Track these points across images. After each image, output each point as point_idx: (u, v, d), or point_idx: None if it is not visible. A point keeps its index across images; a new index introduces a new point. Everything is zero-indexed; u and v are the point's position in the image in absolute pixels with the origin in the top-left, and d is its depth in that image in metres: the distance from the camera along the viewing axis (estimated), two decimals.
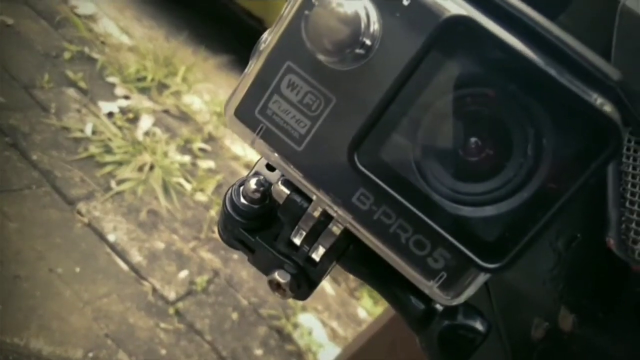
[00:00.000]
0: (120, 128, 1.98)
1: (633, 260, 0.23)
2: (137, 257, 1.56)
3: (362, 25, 0.22)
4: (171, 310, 1.47)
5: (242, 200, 0.31)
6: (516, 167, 0.21)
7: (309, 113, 0.24)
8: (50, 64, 2.06)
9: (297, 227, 0.29)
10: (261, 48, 0.26)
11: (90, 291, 1.37)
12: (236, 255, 1.80)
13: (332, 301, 1.89)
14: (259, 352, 1.56)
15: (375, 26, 0.22)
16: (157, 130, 2.12)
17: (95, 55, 2.27)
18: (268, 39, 0.26)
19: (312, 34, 0.22)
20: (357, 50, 0.22)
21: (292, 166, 0.25)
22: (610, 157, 0.19)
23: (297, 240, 0.29)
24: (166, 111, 2.28)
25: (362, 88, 0.23)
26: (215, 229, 1.93)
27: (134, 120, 2.09)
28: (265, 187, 0.31)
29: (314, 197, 0.26)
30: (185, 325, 1.46)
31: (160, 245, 1.66)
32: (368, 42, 0.22)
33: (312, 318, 1.80)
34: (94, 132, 1.87)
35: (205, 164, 2.17)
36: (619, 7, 0.30)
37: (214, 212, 1.89)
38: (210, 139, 2.33)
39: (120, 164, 1.83)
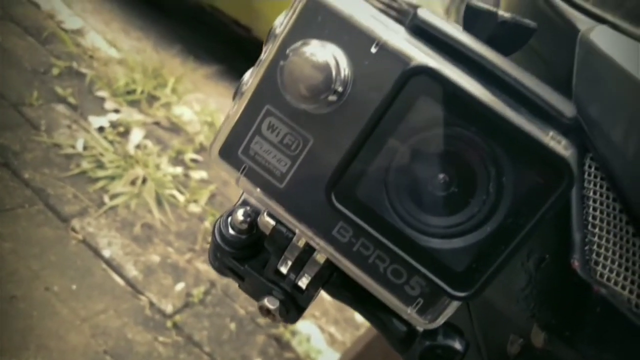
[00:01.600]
0: (111, 142, 1.98)
1: (594, 282, 0.25)
2: (132, 272, 1.57)
3: (334, 72, 0.23)
4: (169, 324, 1.47)
5: (231, 231, 0.33)
6: (480, 203, 0.22)
7: (289, 152, 0.26)
8: (39, 80, 2.06)
9: (283, 256, 0.30)
10: (243, 90, 0.28)
11: (87, 308, 1.37)
12: None
13: (329, 307, 1.91)
14: None
15: (345, 72, 0.24)
16: (149, 143, 2.13)
17: (83, 69, 2.28)
18: (249, 82, 0.27)
19: (287, 83, 0.24)
20: (330, 97, 0.23)
21: (275, 202, 0.27)
22: (564, 193, 0.21)
23: (284, 269, 0.30)
24: (157, 123, 2.29)
25: (337, 130, 0.25)
26: (210, 239, 1.94)
27: (125, 133, 2.10)
28: (252, 218, 0.32)
29: (297, 231, 0.27)
30: (184, 338, 1.47)
31: (155, 258, 1.66)
32: (340, 88, 0.23)
33: (310, 324, 1.81)
34: (85, 148, 1.87)
35: (198, 174, 2.18)
36: (579, 37, 0.31)
37: (208, 223, 1.90)
38: (201, 149, 2.34)
39: (112, 178, 1.83)
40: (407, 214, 0.24)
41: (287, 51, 0.24)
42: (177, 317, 1.51)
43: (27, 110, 1.88)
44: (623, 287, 0.24)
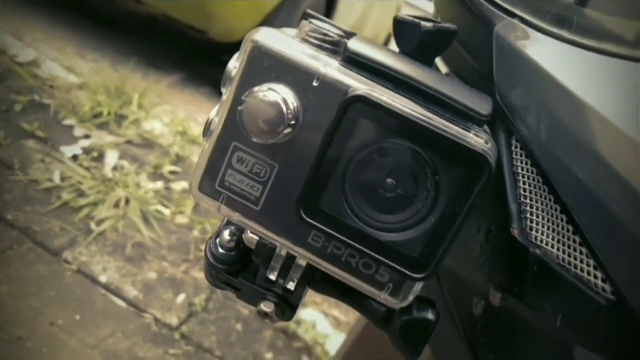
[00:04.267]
0: (87, 169, 1.98)
1: (531, 245, 0.29)
2: (132, 292, 1.59)
3: (284, 108, 0.27)
4: (177, 336, 1.51)
5: (220, 250, 0.37)
6: (422, 199, 0.27)
7: (259, 179, 0.30)
8: (3, 119, 2.04)
9: (270, 266, 0.34)
10: (211, 129, 0.31)
11: (94, 335, 1.40)
12: None
13: None
14: (269, 356, 1.63)
15: (295, 106, 0.28)
16: (125, 163, 2.14)
17: (46, 101, 2.26)
18: (215, 121, 0.31)
19: (247, 124, 0.27)
20: (286, 130, 0.27)
21: (254, 223, 0.31)
22: (488, 182, 0.25)
23: (273, 277, 0.35)
24: (129, 142, 2.29)
25: (296, 155, 0.29)
26: (203, 247, 1.97)
27: (100, 158, 2.10)
28: (238, 236, 0.36)
29: (277, 244, 0.31)
30: (194, 347, 1.51)
31: (152, 275, 1.69)
32: (293, 121, 0.27)
33: (314, 312, 1.86)
34: (63, 179, 1.87)
35: (179, 185, 2.20)
36: (494, 31, 0.36)
37: (197, 232, 1.93)
38: (178, 160, 2.35)
39: (95, 204, 1.84)
40: (365, 216, 0.28)
41: (243, 97, 0.27)
42: (184, 328, 1.55)
43: None
44: (552, 247, 0.28)
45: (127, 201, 1.92)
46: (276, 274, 0.34)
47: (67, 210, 1.76)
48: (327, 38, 0.29)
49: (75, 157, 2.02)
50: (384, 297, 0.30)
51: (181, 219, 2.00)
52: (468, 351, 0.34)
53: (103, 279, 1.59)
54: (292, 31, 0.32)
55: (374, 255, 0.28)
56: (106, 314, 1.49)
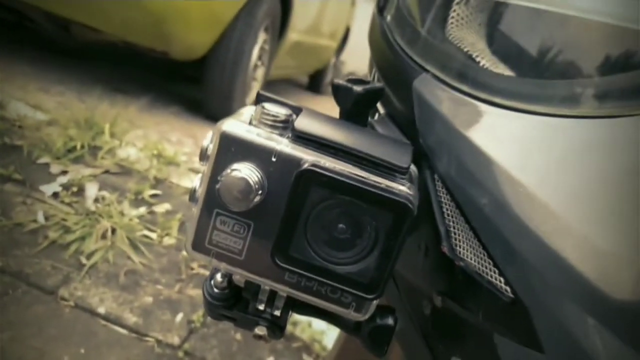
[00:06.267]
0: (69, 204, 2.02)
1: (457, 258, 0.38)
2: (132, 319, 1.65)
3: (251, 182, 0.35)
4: (180, 354, 1.58)
5: (215, 290, 0.44)
6: (367, 238, 0.35)
7: (240, 235, 0.38)
8: None
9: (258, 299, 0.42)
10: (196, 196, 0.39)
11: None
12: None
13: None
14: (271, 359, 1.71)
15: (260, 178, 0.36)
16: (105, 194, 2.18)
17: (17, 142, 2.27)
18: (198, 190, 0.39)
19: (225, 196, 0.35)
20: (256, 198, 0.35)
21: (239, 269, 0.39)
22: (411, 224, 0.34)
23: (261, 307, 0.43)
24: (107, 172, 2.33)
25: (266, 214, 0.37)
26: (193, 265, 2.03)
27: (80, 192, 2.13)
28: (229, 277, 0.44)
29: (260, 283, 0.39)
30: None
31: (148, 299, 1.75)
32: (260, 191, 0.35)
33: None
34: (46, 218, 1.91)
35: (162, 208, 2.25)
36: (413, 84, 0.44)
37: (185, 252, 1.98)
38: (157, 183, 2.40)
39: (83, 238, 1.88)
40: (325, 254, 0.36)
41: (218, 177, 0.35)
42: (186, 346, 1.62)
43: None
44: (471, 259, 0.37)
45: (113, 231, 1.96)
46: (264, 304, 0.42)
47: (55, 248, 1.80)
48: (278, 119, 0.37)
49: (55, 195, 2.05)
50: (349, 313, 0.39)
51: (168, 241, 2.05)
52: (424, 345, 0.43)
53: (101, 310, 1.64)
54: (251, 110, 0.40)
55: (336, 285, 0.36)
56: (109, 344, 1.54)
